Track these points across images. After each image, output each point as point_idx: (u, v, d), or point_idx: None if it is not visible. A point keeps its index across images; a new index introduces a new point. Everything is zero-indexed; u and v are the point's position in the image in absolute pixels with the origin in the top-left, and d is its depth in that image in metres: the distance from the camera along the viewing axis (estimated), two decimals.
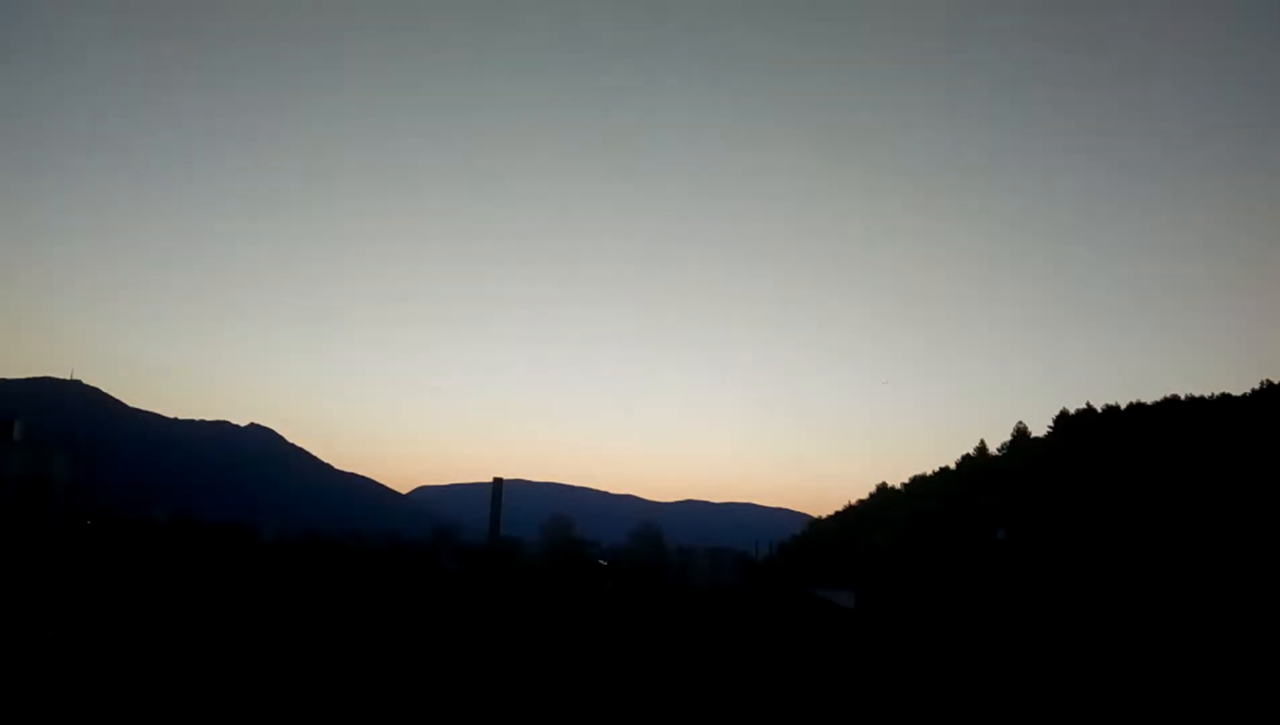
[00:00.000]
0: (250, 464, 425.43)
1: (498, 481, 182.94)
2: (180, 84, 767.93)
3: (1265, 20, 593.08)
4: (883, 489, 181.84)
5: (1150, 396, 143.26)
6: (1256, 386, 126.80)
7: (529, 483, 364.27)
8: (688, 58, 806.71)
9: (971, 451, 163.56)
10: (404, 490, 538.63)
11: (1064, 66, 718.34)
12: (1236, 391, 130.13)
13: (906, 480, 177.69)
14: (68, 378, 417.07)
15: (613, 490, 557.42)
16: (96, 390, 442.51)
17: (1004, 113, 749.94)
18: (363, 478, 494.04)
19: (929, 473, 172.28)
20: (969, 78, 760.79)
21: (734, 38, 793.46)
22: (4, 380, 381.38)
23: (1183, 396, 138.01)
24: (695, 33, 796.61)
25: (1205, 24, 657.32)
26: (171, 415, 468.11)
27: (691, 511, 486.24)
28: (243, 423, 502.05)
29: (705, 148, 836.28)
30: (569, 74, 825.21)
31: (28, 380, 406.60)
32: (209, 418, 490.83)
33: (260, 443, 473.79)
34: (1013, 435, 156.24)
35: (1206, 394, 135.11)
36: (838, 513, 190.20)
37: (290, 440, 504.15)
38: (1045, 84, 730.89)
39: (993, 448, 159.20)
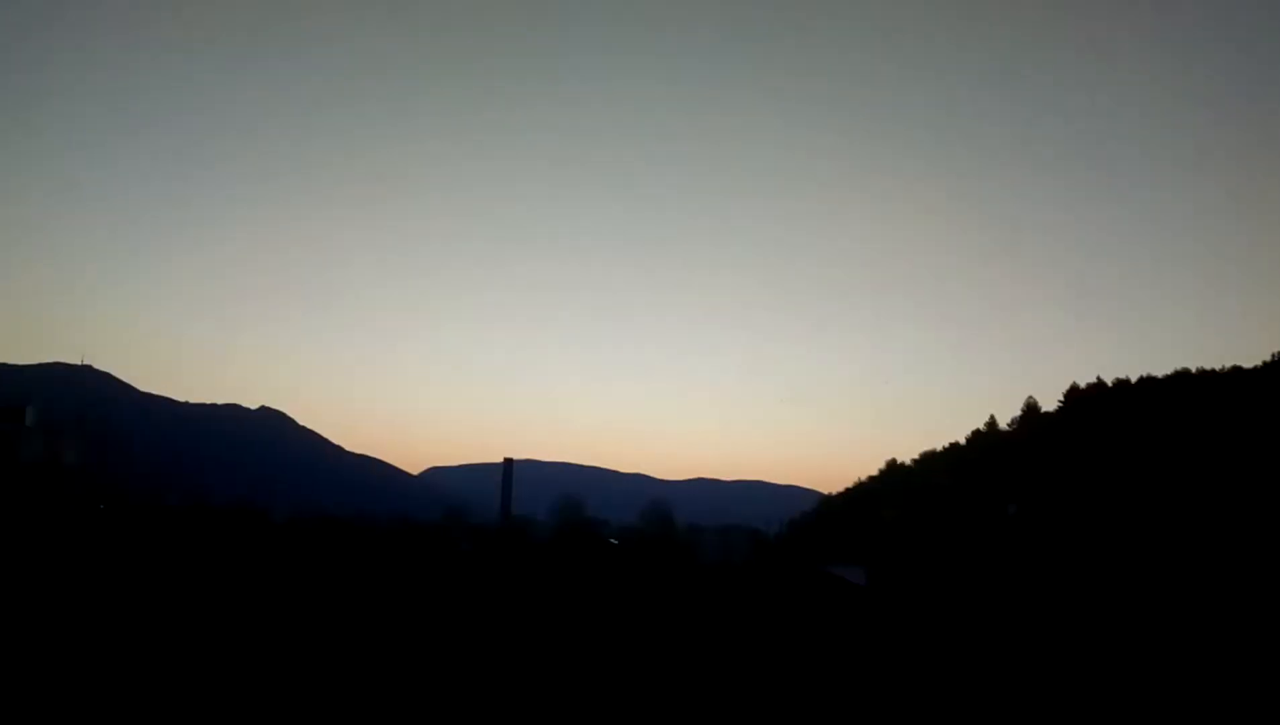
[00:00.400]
0: (261, 447, 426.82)
1: (508, 462, 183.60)
2: (183, 70, 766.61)
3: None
4: (893, 465, 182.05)
5: (1162, 370, 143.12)
6: (1268, 358, 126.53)
7: (539, 463, 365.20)
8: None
9: (982, 427, 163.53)
10: (415, 471, 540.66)
11: (1061, 46, 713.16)
12: (1248, 364, 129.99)
13: (917, 456, 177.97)
14: (79, 363, 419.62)
15: (623, 469, 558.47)
16: (108, 375, 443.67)
17: (1014, 83, 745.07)
18: (373, 459, 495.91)
19: (939, 448, 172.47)
20: (967, 57, 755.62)
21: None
22: (16, 366, 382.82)
23: (1193, 369, 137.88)
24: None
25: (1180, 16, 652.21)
26: (182, 399, 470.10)
27: (702, 489, 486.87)
28: (253, 406, 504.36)
29: (708, 124, 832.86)
30: (564, 62, 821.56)
31: (40, 366, 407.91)
32: (220, 401, 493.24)
33: (271, 426, 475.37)
34: (1023, 410, 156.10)
35: (1218, 366, 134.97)
36: (848, 489, 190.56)
37: (301, 423, 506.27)
38: (1047, 58, 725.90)
39: (1003, 423, 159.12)
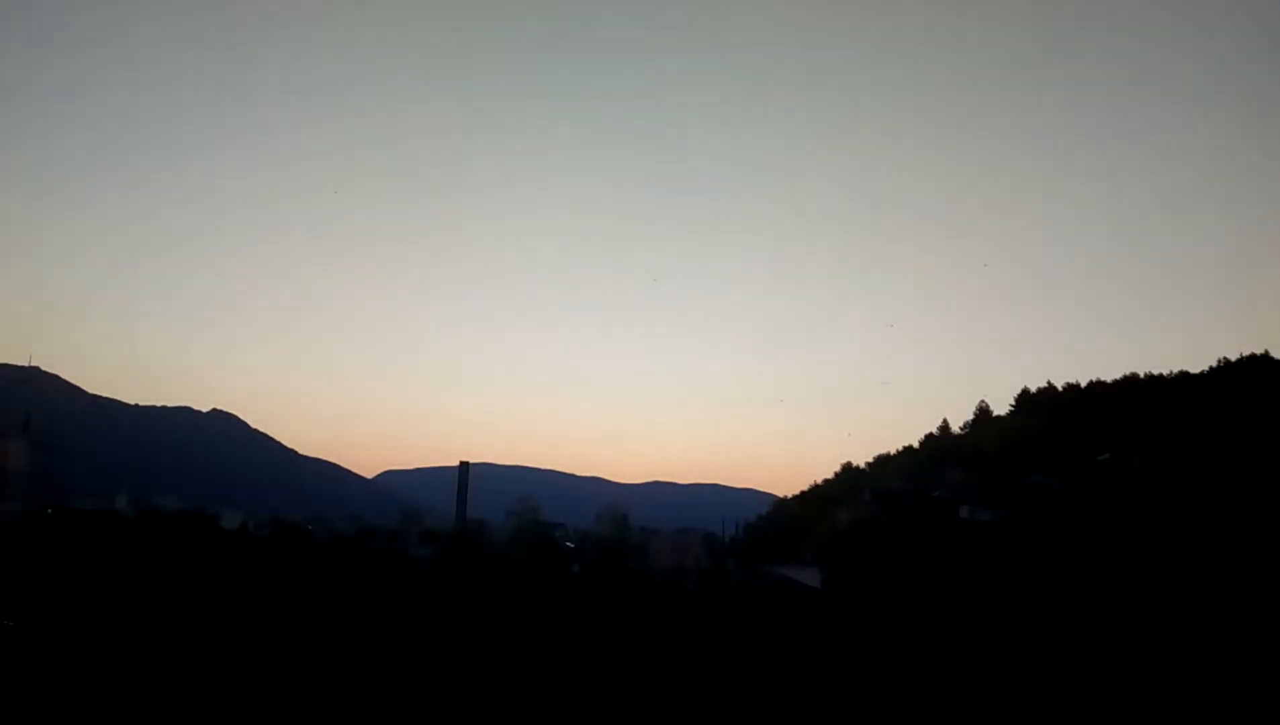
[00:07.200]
0: (213, 450, 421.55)
1: (464, 465, 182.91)
2: (135, 67, 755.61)
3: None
4: (848, 468, 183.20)
5: (1111, 374, 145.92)
6: (1214, 364, 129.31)
7: (496, 466, 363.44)
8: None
9: (935, 430, 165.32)
10: (370, 474, 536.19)
11: (1025, 43, 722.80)
12: (1195, 369, 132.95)
13: (871, 459, 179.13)
14: (26, 364, 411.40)
15: (579, 472, 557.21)
16: (56, 377, 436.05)
17: (965, 91, 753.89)
18: (327, 462, 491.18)
19: (893, 452, 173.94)
20: (937, 56, 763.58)
21: None
22: None
23: (1141, 374, 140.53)
24: None
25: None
26: (132, 402, 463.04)
27: (658, 492, 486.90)
28: (205, 408, 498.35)
29: (662, 122, 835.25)
30: (521, 58, 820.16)
31: None
32: (170, 403, 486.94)
33: (223, 428, 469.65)
34: (975, 413, 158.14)
35: (1165, 371, 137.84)
36: (803, 492, 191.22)
37: (253, 426, 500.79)
38: (1004, 62, 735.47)
39: (955, 426, 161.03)
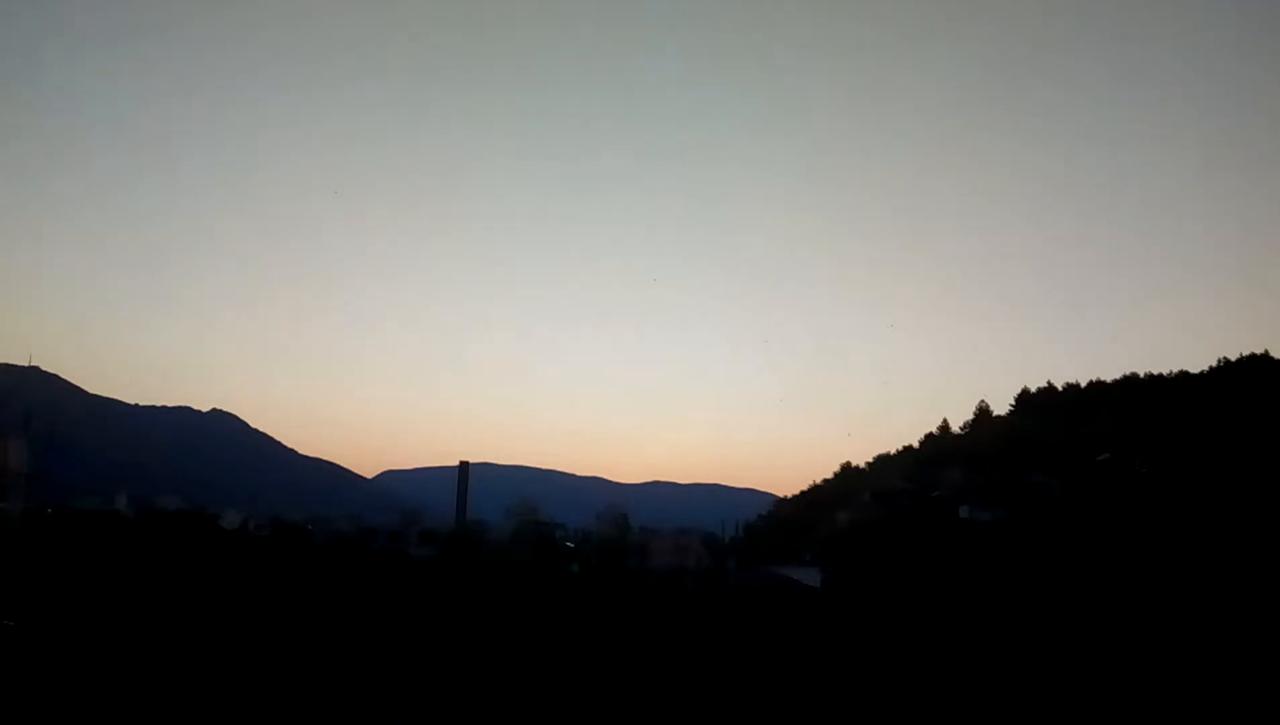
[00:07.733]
0: (213, 450, 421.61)
1: (464, 465, 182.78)
2: (135, 65, 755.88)
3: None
4: (847, 468, 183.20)
5: (1110, 374, 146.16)
6: (1214, 363, 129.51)
7: (496, 466, 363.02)
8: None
9: (935, 430, 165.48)
10: (369, 474, 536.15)
11: (1029, 44, 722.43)
12: (1194, 369, 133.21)
13: (871, 459, 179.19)
14: (26, 364, 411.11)
15: (579, 472, 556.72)
16: (55, 376, 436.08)
17: (965, 90, 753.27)
18: (327, 462, 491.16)
19: (893, 452, 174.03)
20: (935, 63, 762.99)
21: None
22: None
23: (1142, 374, 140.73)
24: None
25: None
26: (132, 401, 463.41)
27: (658, 492, 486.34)
28: (205, 408, 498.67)
29: (659, 122, 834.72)
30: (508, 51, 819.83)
31: None
32: (170, 403, 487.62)
33: (222, 428, 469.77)
34: (975, 413, 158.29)
35: (1165, 371, 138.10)
36: (803, 492, 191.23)
37: (254, 426, 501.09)
38: (998, 60, 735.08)
39: (955, 426, 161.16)
